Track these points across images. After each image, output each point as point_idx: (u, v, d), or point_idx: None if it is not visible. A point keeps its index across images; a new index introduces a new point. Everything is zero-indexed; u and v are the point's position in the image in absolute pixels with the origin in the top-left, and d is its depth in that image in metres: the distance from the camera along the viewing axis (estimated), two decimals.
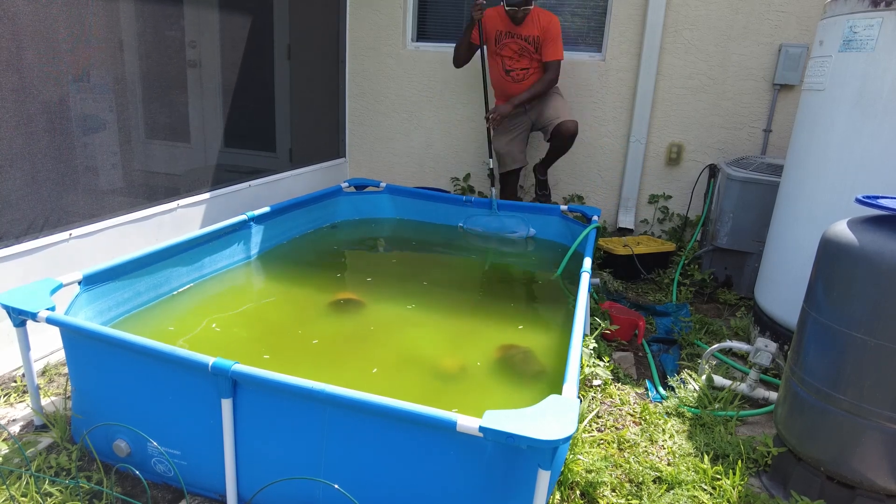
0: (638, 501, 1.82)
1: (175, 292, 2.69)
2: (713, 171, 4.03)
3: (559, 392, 1.54)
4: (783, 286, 2.62)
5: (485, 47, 4.04)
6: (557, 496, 1.81)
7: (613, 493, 1.85)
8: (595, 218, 3.47)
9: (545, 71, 3.93)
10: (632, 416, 2.29)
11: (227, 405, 1.61)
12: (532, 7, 3.78)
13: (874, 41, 2.22)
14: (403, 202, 4.18)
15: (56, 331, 1.90)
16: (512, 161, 4.14)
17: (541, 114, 4.02)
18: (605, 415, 2.28)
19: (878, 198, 1.75)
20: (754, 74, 3.95)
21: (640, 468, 1.96)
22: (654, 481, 1.92)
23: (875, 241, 1.62)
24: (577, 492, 1.84)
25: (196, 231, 2.84)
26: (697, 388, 2.42)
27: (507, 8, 3.78)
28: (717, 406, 2.31)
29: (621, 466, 1.98)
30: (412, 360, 2.34)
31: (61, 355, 2.46)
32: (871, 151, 2.26)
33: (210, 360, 1.58)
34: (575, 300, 2.30)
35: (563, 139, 3.90)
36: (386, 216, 4.20)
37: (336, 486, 1.55)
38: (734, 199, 3.38)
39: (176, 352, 1.63)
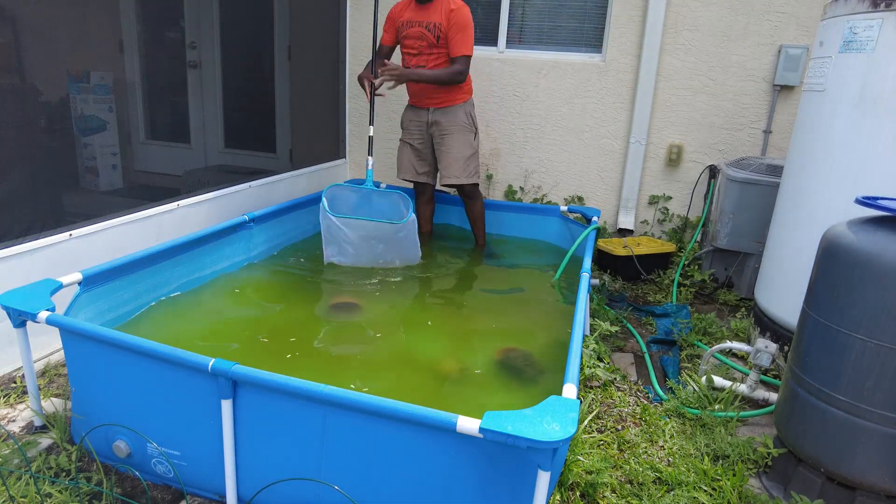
0: (638, 502, 1.82)
1: (175, 293, 2.69)
2: (713, 171, 4.03)
3: (559, 393, 1.54)
4: (783, 287, 2.62)
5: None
6: (558, 497, 1.81)
7: (614, 494, 1.85)
8: (595, 219, 3.47)
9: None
10: (632, 416, 2.29)
11: (226, 406, 1.61)
12: None
13: (874, 42, 2.22)
14: None
15: (56, 331, 1.90)
16: (402, 170, 3.66)
17: (439, 155, 3.54)
18: (605, 415, 2.28)
19: (878, 198, 1.75)
20: (754, 75, 3.95)
21: (641, 469, 1.96)
22: (654, 482, 1.91)
23: (875, 242, 1.62)
24: (578, 493, 1.84)
25: (196, 232, 2.84)
26: (697, 388, 2.42)
27: None
28: (717, 407, 2.31)
29: (621, 467, 1.98)
30: (412, 362, 2.34)
31: (61, 356, 2.46)
32: (871, 152, 2.26)
33: (210, 360, 1.58)
34: (575, 301, 2.30)
35: (469, 210, 3.65)
36: None
37: (336, 487, 1.55)
38: (734, 199, 3.38)
39: (176, 353, 1.63)
